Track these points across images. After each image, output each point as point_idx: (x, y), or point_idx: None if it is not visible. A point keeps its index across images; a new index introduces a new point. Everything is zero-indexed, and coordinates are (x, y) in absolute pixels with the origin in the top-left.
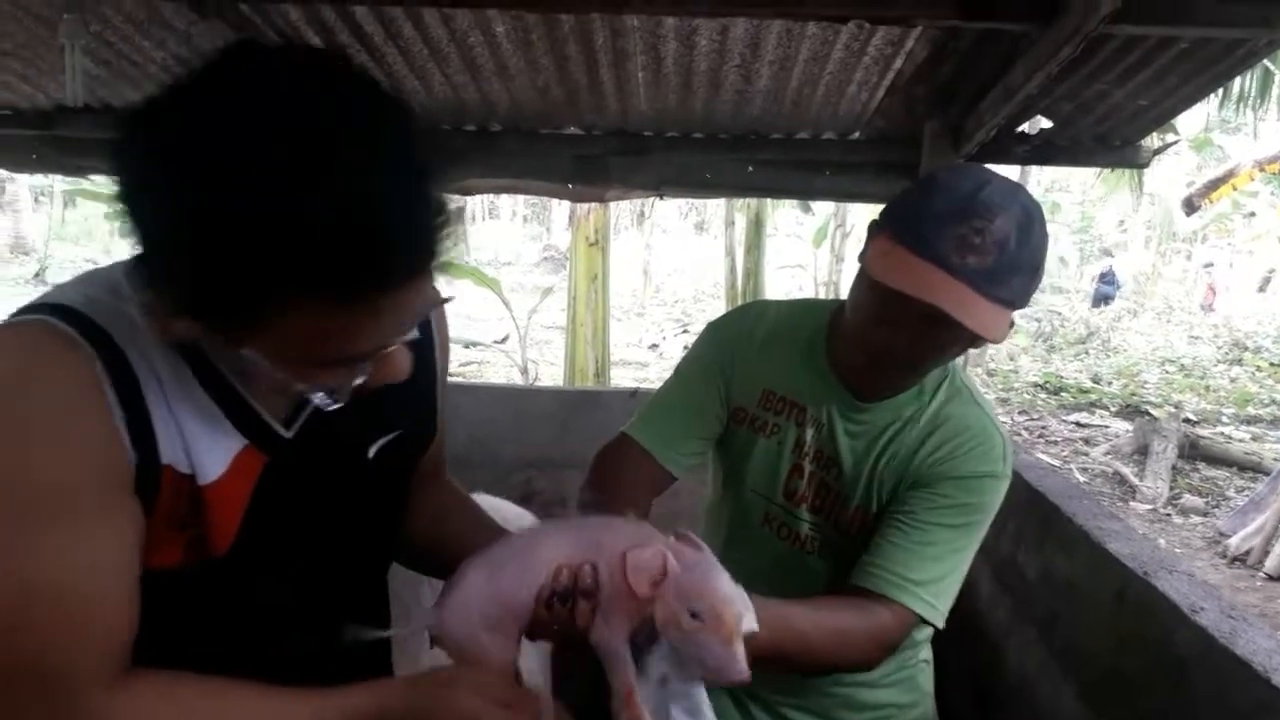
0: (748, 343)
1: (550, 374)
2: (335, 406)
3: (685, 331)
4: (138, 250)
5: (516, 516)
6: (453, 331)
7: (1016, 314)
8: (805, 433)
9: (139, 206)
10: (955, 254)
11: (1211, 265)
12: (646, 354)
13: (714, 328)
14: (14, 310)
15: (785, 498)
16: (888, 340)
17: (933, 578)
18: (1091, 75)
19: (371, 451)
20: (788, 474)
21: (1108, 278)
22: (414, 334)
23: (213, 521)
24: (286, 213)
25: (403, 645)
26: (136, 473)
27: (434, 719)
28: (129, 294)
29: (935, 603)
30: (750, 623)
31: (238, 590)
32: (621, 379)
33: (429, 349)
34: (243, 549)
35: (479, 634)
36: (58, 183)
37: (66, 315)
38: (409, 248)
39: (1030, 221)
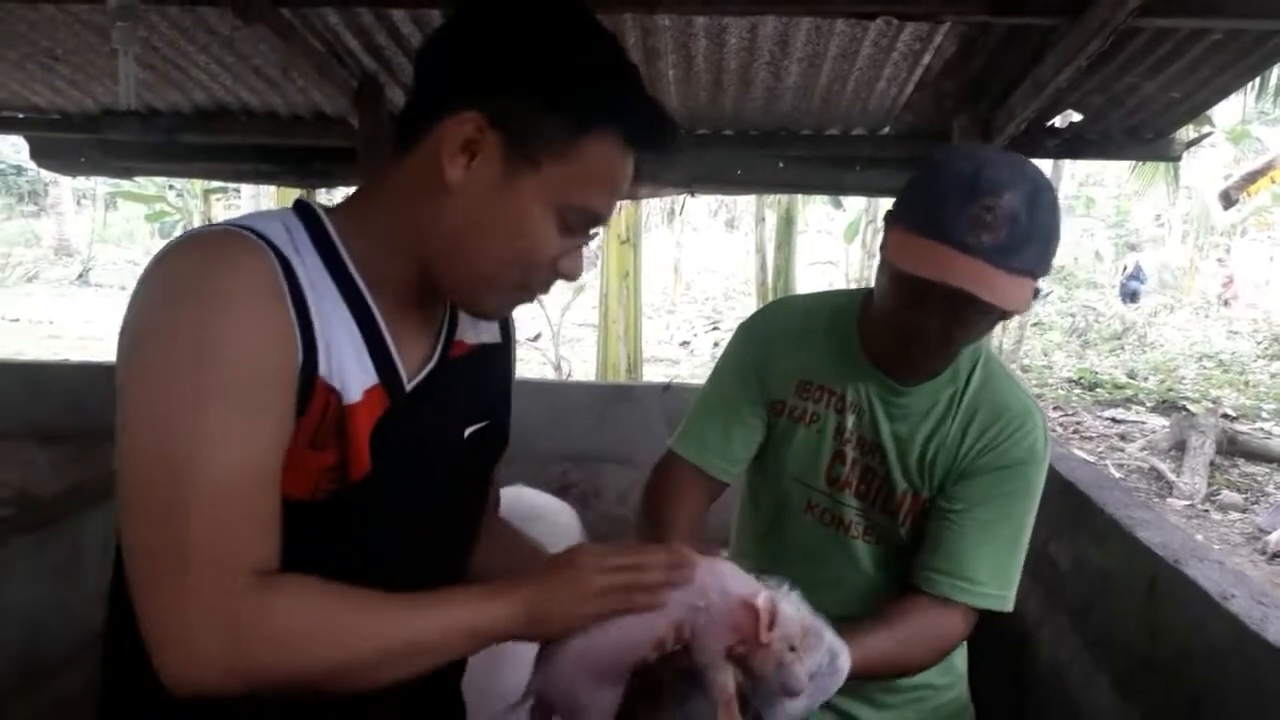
0: (780, 338)
1: (583, 371)
2: (508, 312)
3: (716, 328)
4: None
5: (555, 509)
6: None
7: (1055, 314)
8: (845, 419)
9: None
10: (969, 234)
11: (1225, 256)
12: (678, 351)
13: (744, 328)
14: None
15: (828, 484)
16: (917, 324)
17: (996, 573)
18: (1122, 68)
19: (467, 432)
20: (830, 460)
21: (1134, 273)
22: (494, 334)
23: (353, 441)
24: (619, 69)
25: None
26: (300, 377)
27: (562, 615)
28: (293, 225)
29: (1003, 594)
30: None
31: (365, 526)
32: (653, 376)
33: (508, 352)
34: (371, 482)
35: (587, 691)
36: (100, 185)
37: (244, 229)
38: (670, 131)
39: (1037, 191)
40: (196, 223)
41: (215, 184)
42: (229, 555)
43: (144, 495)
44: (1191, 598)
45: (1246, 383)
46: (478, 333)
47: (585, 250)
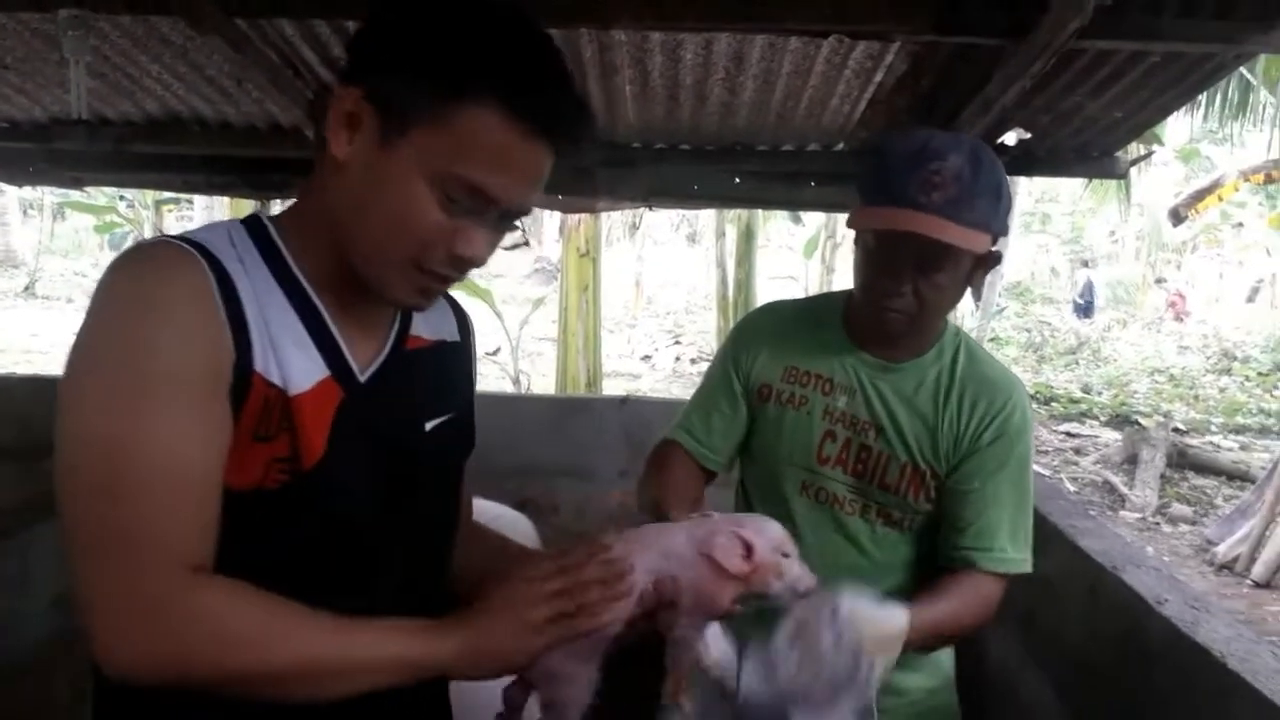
0: (768, 330)
1: (542, 385)
2: (422, 302)
3: (677, 343)
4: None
5: (512, 520)
6: None
7: (1012, 328)
8: (835, 400)
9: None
10: (921, 194)
11: (1173, 273)
12: (639, 365)
13: (734, 327)
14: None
15: (819, 463)
16: (889, 287)
17: (1015, 539)
18: (1066, 88)
19: (428, 425)
20: (820, 441)
21: (1084, 290)
22: (452, 332)
23: (303, 431)
24: (510, 44)
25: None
26: (234, 376)
27: (501, 654)
28: (239, 234)
29: (1025, 556)
30: None
31: (318, 515)
32: (613, 390)
33: (468, 351)
34: (325, 468)
35: (568, 666)
36: (47, 195)
37: (182, 240)
38: (571, 111)
39: (978, 153)
40: (148, 233)
41: (167, 195)
42: (163, 545)
43: (81, 483)
44: (1129, 602)
45: (1196, 397)
46: (434, 329)
47: (545, 263)
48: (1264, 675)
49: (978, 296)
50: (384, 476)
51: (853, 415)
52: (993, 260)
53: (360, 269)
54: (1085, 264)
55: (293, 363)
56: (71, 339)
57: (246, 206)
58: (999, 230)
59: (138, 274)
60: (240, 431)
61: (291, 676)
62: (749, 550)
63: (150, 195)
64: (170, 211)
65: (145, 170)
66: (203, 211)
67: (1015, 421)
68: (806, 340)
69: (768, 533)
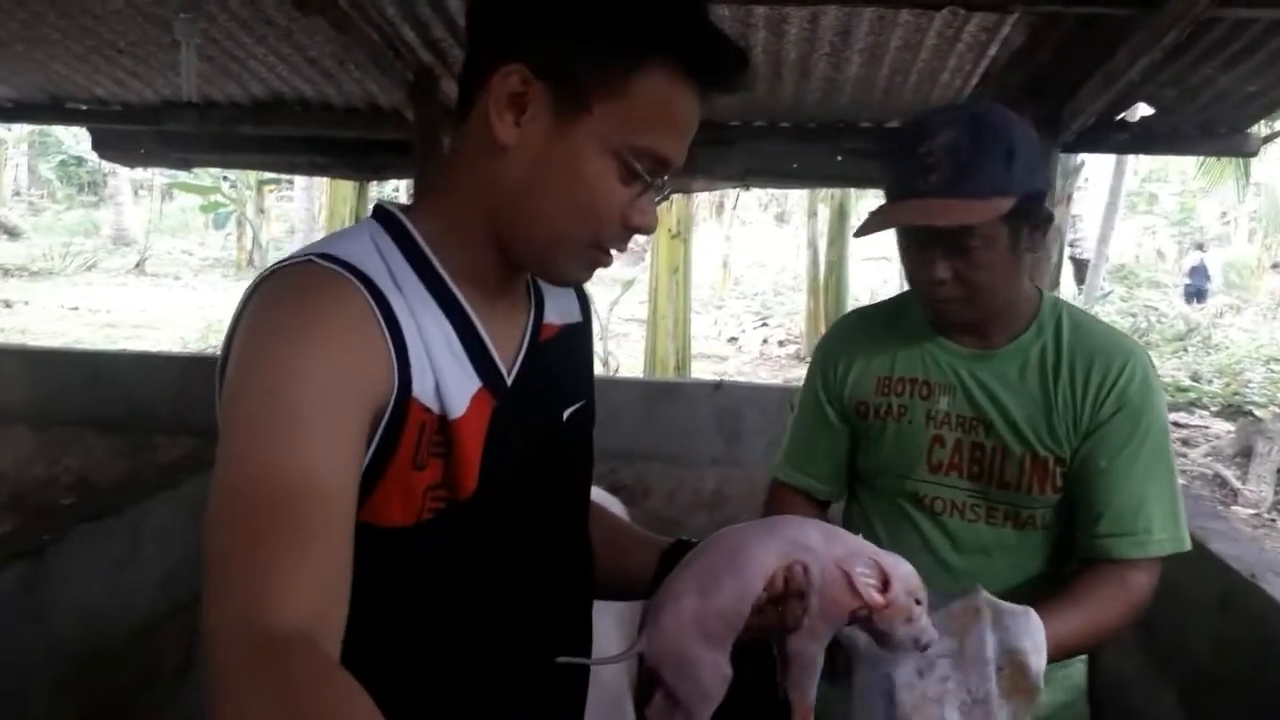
0: (850, 343)
1: (630, 366)
2: (587, 277)
3: (764, 324)
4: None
5: (606, 502)
6: None
7: (1116, 313)
8: (936, 403)
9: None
10: (918, 179)
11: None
12: (725, 347)
13: (816, 348)
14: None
15: (931, 472)
16: (930, 278)
17: (1162, 515)
18: (1197, 61)
19: (565, 415)
20: (928, 447)
21: (1198, 272)
22: (575, 314)
23: (459, 457)
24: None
25: (599, 675)
26: (393, 406)
27: None
28: (382, 240)
29: (1177, 533)
30: None
31: (477, 544)
32: (701, 372)
33: (588, 335)
34: (483, 494)
35: (697, 651)
36: (157, 176)
37: (329, 259)
38: (737, 59)
39: (977, 118)
40: (250, 213)
41: (269, 175)
42: (269, 586)
43: (225, 513)
44: (1266, 612)
45: None
46: (561, 313)
47: (633, 244)
48: None
49: (1016, 244)
50: (538, 483)
51: (958, 414)
52: (1035, 218)
53: (527, 255)
54: (1199, 246)
55: (451, 382)
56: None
57: (345, 187)
58: (1021, 189)
59: (294, 295)
60: (398, 463)
61: None
62: (885, 584)
63: (253, 176)
64: (271, 191)
65: (251, 152)
66: (302, 192)
67: (1136, 388)
68: (892, 345)
69: (905, 573)
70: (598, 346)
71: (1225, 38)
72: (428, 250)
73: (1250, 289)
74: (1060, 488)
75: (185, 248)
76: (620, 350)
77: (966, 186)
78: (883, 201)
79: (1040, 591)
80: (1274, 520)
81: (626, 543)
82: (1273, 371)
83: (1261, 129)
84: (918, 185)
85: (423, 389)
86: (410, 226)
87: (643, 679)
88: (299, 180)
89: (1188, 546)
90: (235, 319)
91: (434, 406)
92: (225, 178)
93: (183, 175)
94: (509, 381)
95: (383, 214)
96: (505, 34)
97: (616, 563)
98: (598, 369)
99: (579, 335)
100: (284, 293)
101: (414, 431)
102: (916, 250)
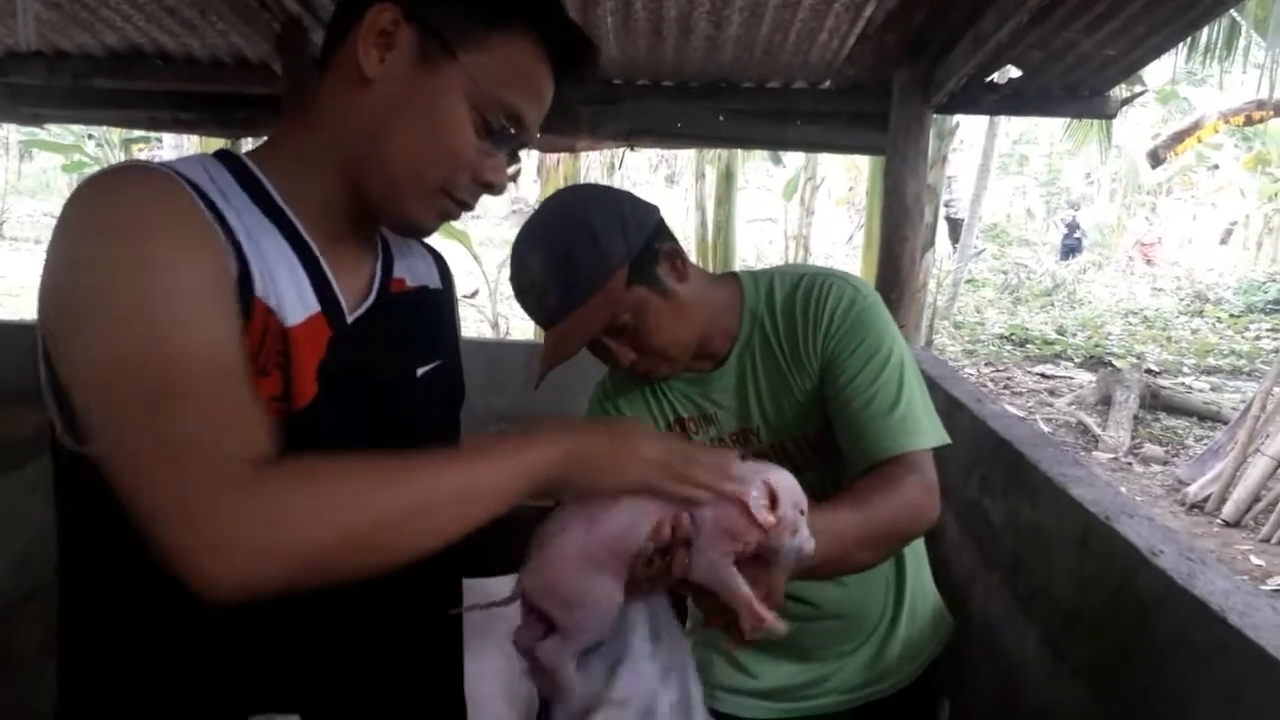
0: (626, 408)
1: (521, 329)
2: (436, 226)
3: None
4: None
5: None
6: None
7: (988, 270)
8: (710, 431)
9: None
10: (540, 313)
11: (1152, 215)
12: None
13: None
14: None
15: None
16: (621, 366)
17: (910, 413)
18: (1061, 24)
19: (420, 372)
20: None
21: (1073, 229)
22: (434, 279)
23: (297, 365)
24: None
25: (479, 627)
26: (237, 289)
27: (608, 467)
28: (214, 167)
29: (931, 426)
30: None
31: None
32: None
33: (449, 303)
34: (318, 408)
35: (586, 578)
36: (12, 133)
37: (153, 166)
38: (585, 48)
39: (549, 230)
40: None
41: (136, 133)
42: (228, 439)
43: (127, 398)
44: (1122, 553)
45: (1169, 338)
46: (416, 275)
47: (523, 204)
48: (1265, 630)
49: (664, 291)
50: (379, 424)
51: (731, 432)
52: (657, 259)
53: (379, 191)
54: (1073, 205)
55: (286, 292)
56: (52, 279)
57: (215, 144)
58: (624, 255)
59: (120, 197)
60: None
61: (404, 520)
62: (774, 501)
63: (118, 134)
64: (140, 150)
65: (108, 106)
66: (172, 150)
67: (840, 314)
68: (654, 396)
69: (789, 486)
70: (488, 308)
71: (1087, 2)
72: (265, 181)
73: (1111, 247)
74: (836, 450)
75: (47, 210)
76: (511, 312)
77: (576, 299)
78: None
79: None
80: (1130, 464)
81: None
82: (1130, 324)
83: (1121, 92)
84: (542, 319)
85: (264, 289)
86: (249, 162)
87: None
88: (168, 138)
89: (946, 439)
90: (58, 233)
91: (275, 309)
92: (90, 136)
93: (40, 133)
94: (350, 319)
95: (220, 152)
96: None
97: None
98: (488, 332)
99: (436, 299)
100: (109, 192)
101: (259, 327)
102: (596, 353)
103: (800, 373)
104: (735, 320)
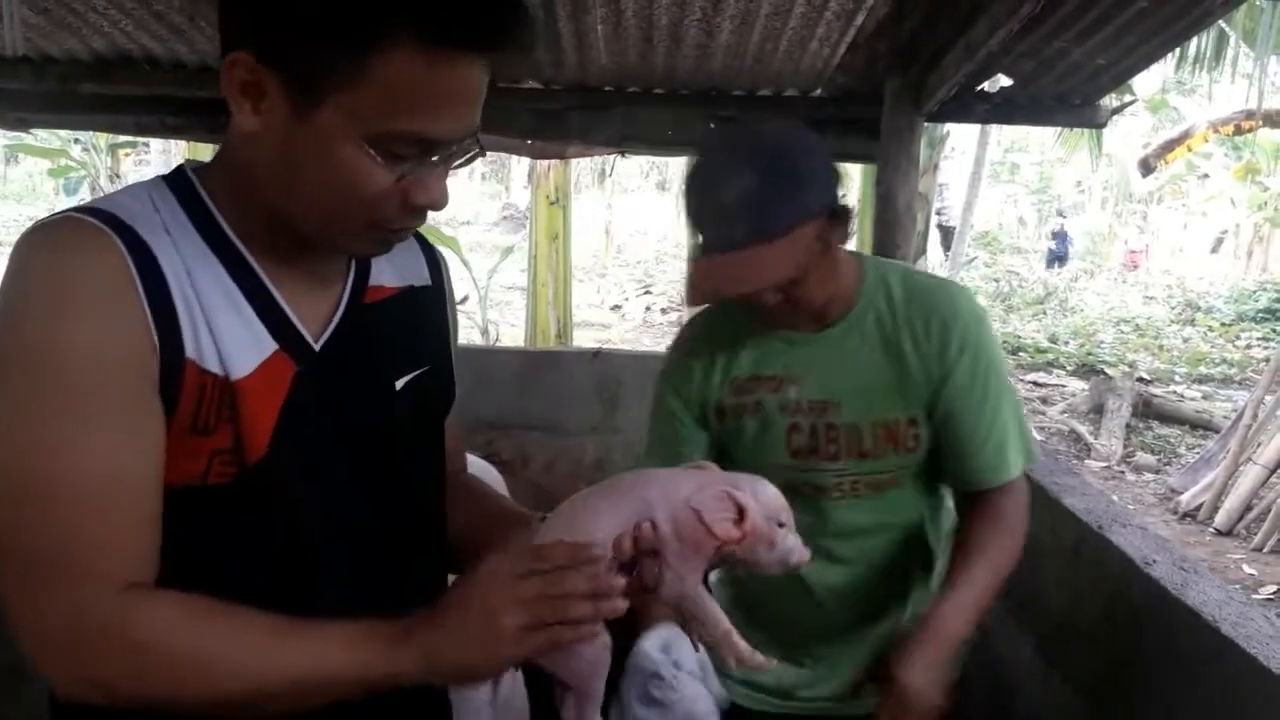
0: (696, 353)
1: (511, 335)
2: (383, 251)
3: (647, 292)
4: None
5: (483, 470)
6: None
7: (980, 279)
8: (786, 394)
9: None
10: (724, 233)
11: (1143, 224)
12: (609, 315)
13: (661, 372)
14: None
15: (793, 458)
16: (755, 304)
17: (1015, 438)
18: (1052, 33)
19: (399, 384)
20: (787, 436)
21: (1060, 238)
22: (422, 276)
23: (245, 420)
24: None
25: None
26: (161, 369)
27: (460, 663)
28: (161, 195)
29: (1028, 447)
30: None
31: (267, 511)
32: (583, 340)
33: (440, 299)
34: (275, 460)
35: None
36: None
37: (94, 214)
38: (492, 14)
39: (760, 158)
40: (104, 178)
41: (122, 138)
42: (100, 566)
43: (7, 498)
44: (1115, 562)
45: (1161, 347)
46: (401, 275)
47: (513, 210)
48: (1258, 639)
49: (828, 248)
50: (346, 456)
51: (809, 400)
52: (836, 219)
53: (308, 231)
54: (1060, 213)
55: (233, 342)
56: None
57: (203, 150)
58: (819, 207)
59: (46, 262)
60: (175, 426)
61: (236, 701)
62: (741, 514)
63: (104, 138)
64: (127, 155)
65: (94, 112)
66: (159, 155)
67: (971, 326)
68: (736, 347)
69: (763, 497)
70: (478, 314)
71: (1077, 11)
72: (214, 210)
73: (1102, 255)
74: (913, 447)
75: (33, 214)
76: (502, 318)
77: (771, 230)
78: (691, 260)
79: (914, 536)
80: (1123, 472)
81: (499, 524)
82: (1122, 333)
83: (1111, 101)
84: (724, 239)
85: (197, 350)
86: (199, 185)
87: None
88: (155, 143)
89: (1039, 457)
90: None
91: (214, 367)
92: (76, 140)
93: (26, 137)
94: (317, 346)
95: (174, 172)
96: (232, 21)
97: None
98: (477, 339)
99: (424, 298)
100: (38, 254)
101: (192, 394)
102: (734, 299)
103: (900, 365)
104: (852, 295)
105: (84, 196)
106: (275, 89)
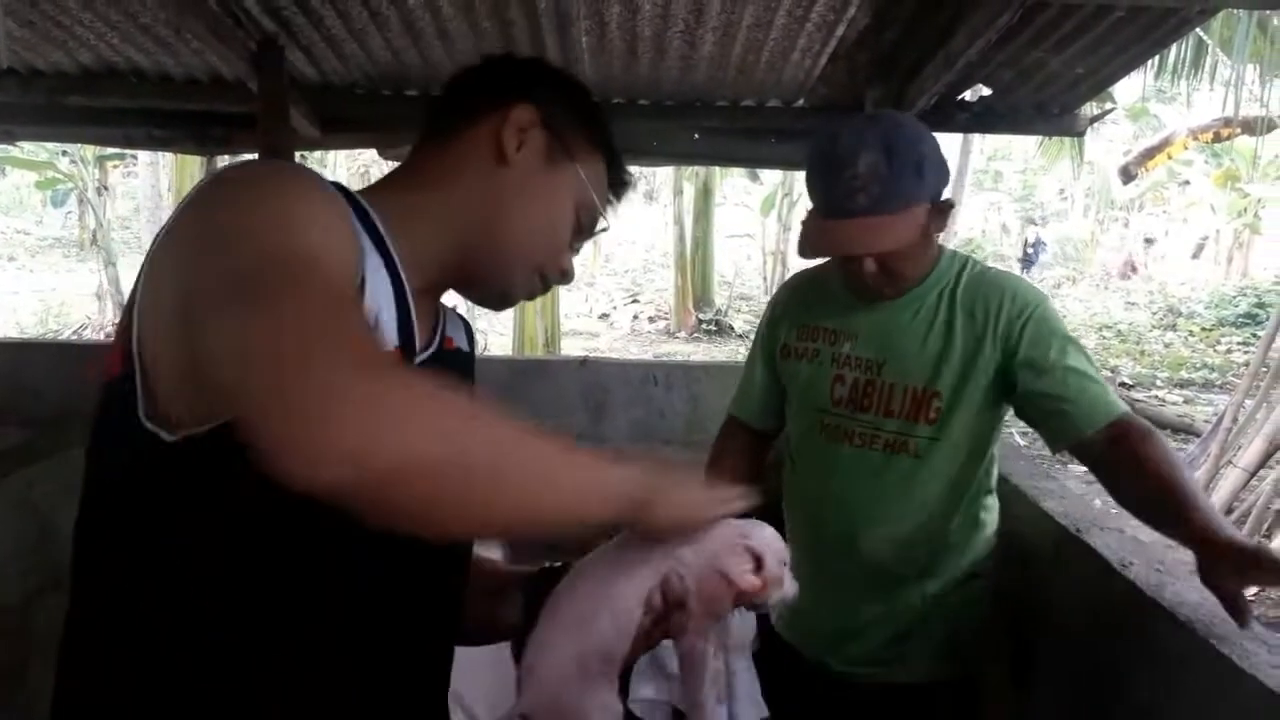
0: (788, 299)
1: (500, 344)
2: (525, 299)
3: (635, 301)
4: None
5: None
6: None
7: None
8: (840, 347)
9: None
10: (847, 201)
11: (1152, 240)
12: (597, 324)
13: (767, 304)
14: None
15: (834, 405)
16: (858, 270)
17: (1098, 386)
18: (1030, 43)
19: None
20: (831, 385)
21: (1036, 246)
22: (464, 342)
23: None
24: (599, 115)
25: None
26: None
27: (674, 503)
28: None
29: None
30: None
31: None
32: (572, 349)
33: (473, 364)
34: None
35: (583, 697)
36: None
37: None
38: (624, 189)
39: (889, 139)
40: (91, 190)
41: (110, 150)
42: (357, 336)
43: (255, 292)
44: (1093, 565)
45: (1143, 352)
46: (457, 338)
47: None
48: (1233, 641)
49: (928, 233)
50: None
51: (858, 356)
52: (942, 210)
53: (489, 260)
54: (1033, 221)
55: (383, 315)
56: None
57: (191, 163)
58: (931, 193)
59: (275, 169)
60: None
61: (488, 471)
62: (758, 564)
63: (91, 151)
64: (115, 167)
65: (82, 124)
66: (147, 168)
67: (1039, 312)
68: (814, 300)
69: (774, 545)
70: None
71: (1054, 21)
72: (375, 217)
73: (1084, 261)
74: (933, 419)
75: (21, 227)
76: (490, 327)
77: (889, 205)
78: (812, 218)
79: (914, 510)
80: None
81: (490, 580)
82: (1104, 338)
83: (1090, 109)
84: (847, 207)
85: (370, 298)
86: (359, 198)
87: None
88: (143, 155)
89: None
90: (185, 210)
91: (374, 319)
92: (64, 152)
93: (12, 150)
94: (417, 361)
95: (332, 182)
96: (525, 83)
97: (481, 603)
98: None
99: (467, 362)
100: (264, 167)
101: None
102: (840, 261)
103: (945, 342)
104: (922, 274)
105: (71, 209)
106: (539, 141)
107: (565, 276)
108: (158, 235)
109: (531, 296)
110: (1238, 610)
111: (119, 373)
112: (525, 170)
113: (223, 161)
